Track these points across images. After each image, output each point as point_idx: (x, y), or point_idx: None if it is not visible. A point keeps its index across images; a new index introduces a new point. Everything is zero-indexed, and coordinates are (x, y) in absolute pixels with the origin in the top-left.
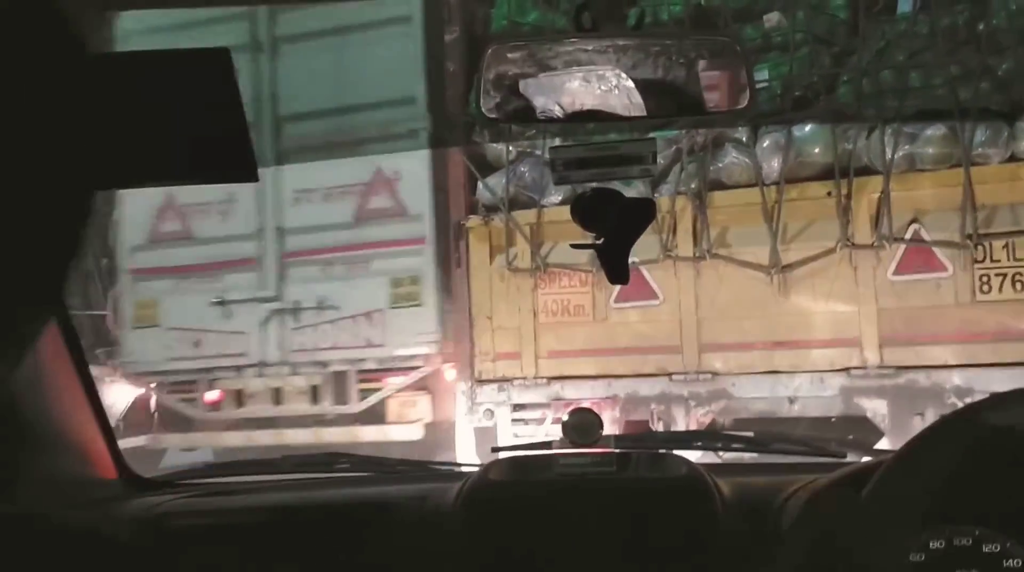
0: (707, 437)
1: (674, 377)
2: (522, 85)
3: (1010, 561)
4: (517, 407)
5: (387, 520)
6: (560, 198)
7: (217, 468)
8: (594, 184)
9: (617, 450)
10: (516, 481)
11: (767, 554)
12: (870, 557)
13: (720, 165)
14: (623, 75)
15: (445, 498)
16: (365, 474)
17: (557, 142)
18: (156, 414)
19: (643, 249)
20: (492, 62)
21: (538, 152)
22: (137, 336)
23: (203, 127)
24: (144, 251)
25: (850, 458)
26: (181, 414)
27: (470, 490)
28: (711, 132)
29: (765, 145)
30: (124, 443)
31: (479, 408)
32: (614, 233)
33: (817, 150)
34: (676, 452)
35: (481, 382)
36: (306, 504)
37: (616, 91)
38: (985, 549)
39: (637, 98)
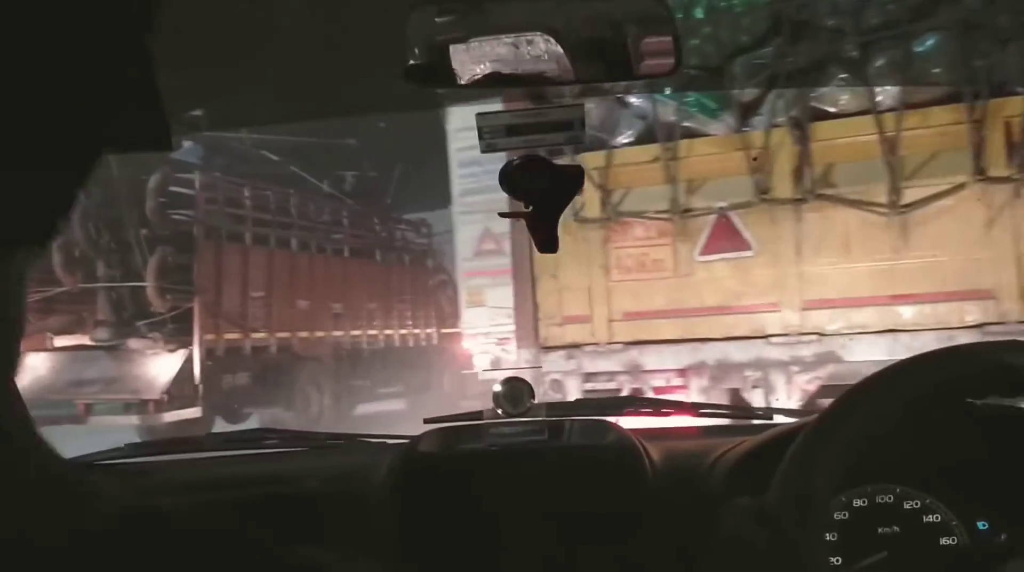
0: (638, 403)
1: (773, 339)
2: (450, 50)
3: (930, 517)
4: (588, 377)
5: (313, 494)
6: (633, 137)
7: (139, 448)
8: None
9: (549, 418)
10: (445, 452)
11: (696, 516)
12: (794, 516)
13: (823, 90)
14: (550, 39)
15: (374, 471)
16: (294, 449)
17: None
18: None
19: (733, 191)
20: (417, 25)
21: (605, 86)
22: (470, 313)
23: (111, 96)
24: (471, 261)
25: (777, 420)
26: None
27: (399, 462)
28: (812, 51)
29: (879, 64)
30: (173, 416)
31: (545, 378)
32: (543, 201)
33: (941, 68)
34: (607, 419)
35: (547, 349)
36: (228, 480)
37: (544, 55)
38: (906, 506)
39: (565, 62)
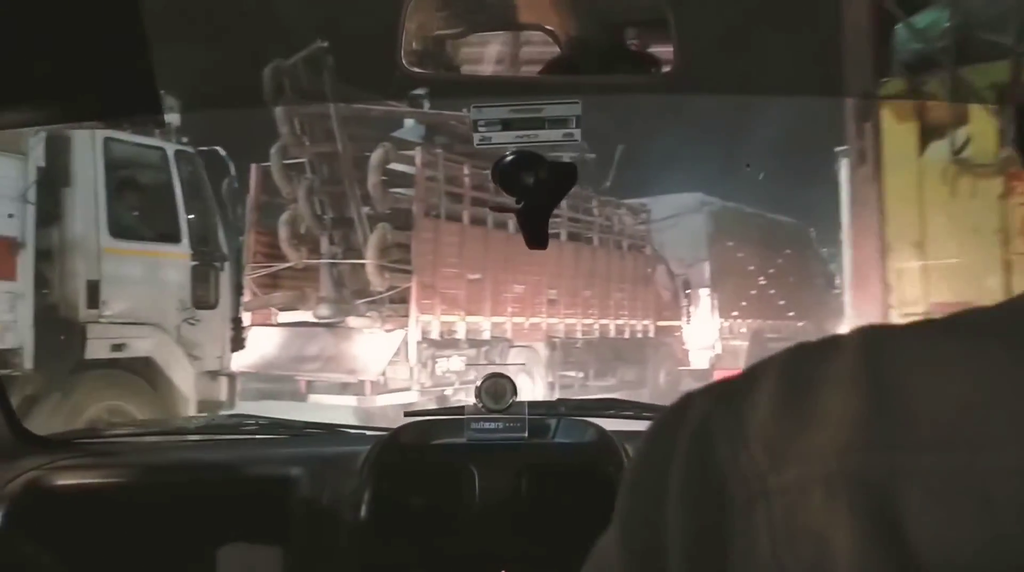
0: (618, 405)
1: None
2: (447, 42)
3: None
4: None
5: (288, 481)
6: None
7: (118, 427)
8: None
9: (529, 416)
10: (425, 444)
11: None
12: None
13: None
14: (547, 36)
15: (353, 460)
16: (272, 436)
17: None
18: None
19: None
20: (415, 13)
21: None
22: None
23: (107, 66)
24: None
25: None
26: None
27: (378, 453)
28: None
29: None
30: (388, 399)
31: None
32: (534, 198)
33: None
34: (589, 419)
35: None
36: (202, 464)
37: (541, 52)
38: None
39: (562, 59)
